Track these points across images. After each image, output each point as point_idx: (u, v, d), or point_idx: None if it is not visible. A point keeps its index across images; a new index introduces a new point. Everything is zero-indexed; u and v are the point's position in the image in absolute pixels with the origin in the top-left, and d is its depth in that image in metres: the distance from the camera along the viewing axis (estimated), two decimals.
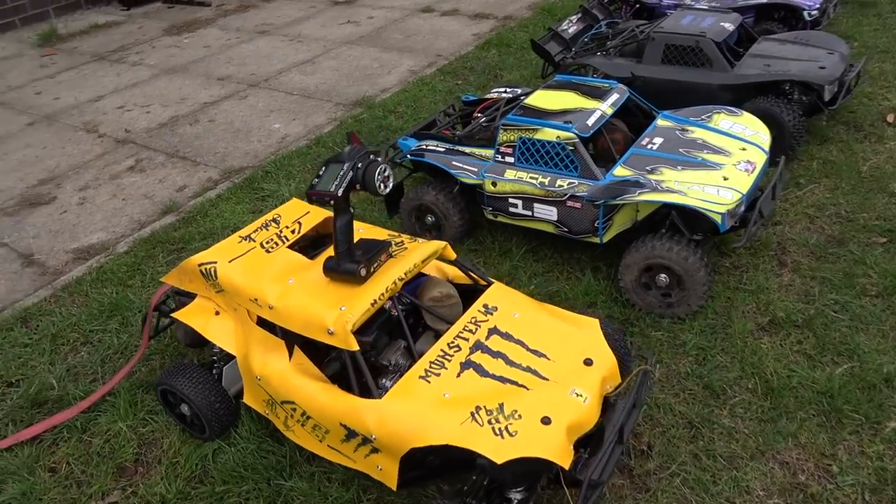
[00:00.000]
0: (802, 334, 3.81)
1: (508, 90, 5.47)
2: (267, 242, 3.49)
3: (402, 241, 3.38)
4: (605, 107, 4.39)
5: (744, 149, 4.25)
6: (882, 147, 5.47)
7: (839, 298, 4.00)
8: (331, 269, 3.10)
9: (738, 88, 5.49)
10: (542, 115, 4.34)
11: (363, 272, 3.03)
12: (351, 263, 3.04)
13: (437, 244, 3.32)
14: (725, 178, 3.96)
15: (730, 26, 5.87)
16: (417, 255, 3.22)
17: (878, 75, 6.51)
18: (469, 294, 3.39)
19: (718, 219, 3.75)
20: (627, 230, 4.21)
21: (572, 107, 4.39)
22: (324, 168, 3.01)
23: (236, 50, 9.16)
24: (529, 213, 4.38)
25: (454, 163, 4.59)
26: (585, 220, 4.15)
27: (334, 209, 3.00)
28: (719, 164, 4.09)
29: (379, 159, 3.07)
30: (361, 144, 3.08)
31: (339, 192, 2.89)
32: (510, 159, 4.40)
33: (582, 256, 4.52)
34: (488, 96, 5.47)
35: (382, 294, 3.01)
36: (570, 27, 6.76)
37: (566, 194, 4.16)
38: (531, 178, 4.29)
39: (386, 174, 3.02)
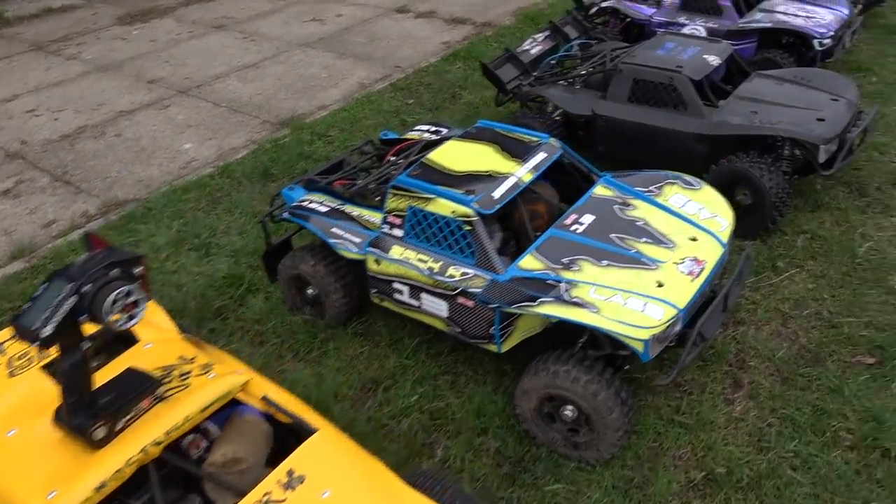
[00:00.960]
0: (746, 500, 2.87)
1: (433, 129, 4.54)
2: (20, 357, 2.63)
3: (188, 372, 2.50)
4: (524, 171, 3.44)
5: (694, 238, 3.29)
6: (888, 221, 4.45)
7: (802, 449, 3.05)
8: (60, 422, 2.23)
9: (715, 140, 4.50)
10: (443, 179, 3.41)
11: (100, 433, 2.16)
12: (84, 419, 2.17)
13: (231, 382, 2.44)
14: (660, 285, 3.01)
15: (715, 60, 4.86)
16: (196, 401, 2.33)
17: None
18: (294, 432, 2.52)
19: (639, 347, 2.81)
20: (539, 334, 3.30)
21: (483, 169, 3.46)
22: (44, 286, 2.13)
23: (182, 47, 8.28)
24: (416, 303, 3.47)
25: (334, 230, 3.68)
26: (480, 322, 3.23)
27: (58, 349, 2.12)
28: (657, 261, 3.13)
29: (137, 270, 2.19)
30: (108, 249, 2.20)
31: (45, 333, 2.01)
32: (398, 232, 3.48)
33: (485, 358, 3.59)
34: (408, 136, 4.54)
35: (120, 470, 2.13)
36: (533, 47, 5.77)
37: (457, 288, 3.25)
38: (420, 260, 3.37)
39: (130, 300, 2.13)
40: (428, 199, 3.33)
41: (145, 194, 5.19)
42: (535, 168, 3.48)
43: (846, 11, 6.20)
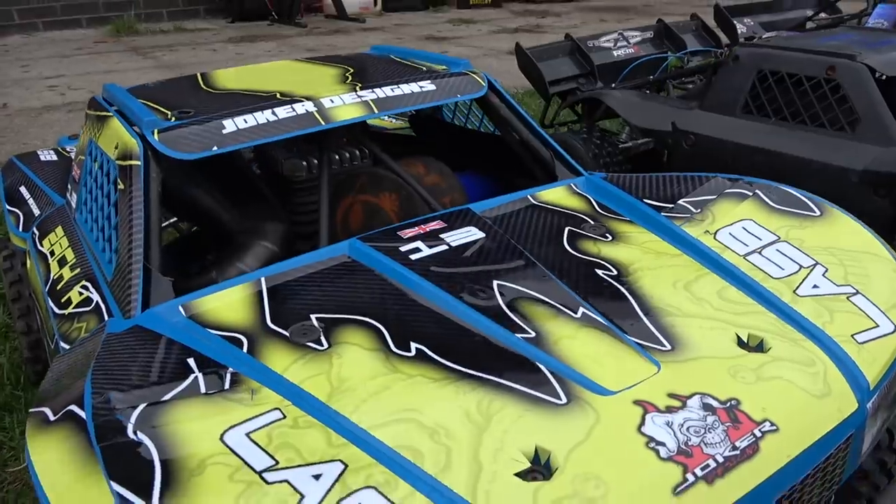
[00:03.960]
0: None
1: None
2: None
3: None
4: (347, 101, 1.41)
5: (758, 345, 0.98)
6: None
7: None
8: None
9: None
10: (174, 94, 1.51)
11: None
12: None
13: None
14: (537, 468, 0.77)
15: None
16: None
17: None
18: None
19: None
20: None
21: (271, 88, 1.49)
22: None
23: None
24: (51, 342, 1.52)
25: (22, 188, 1.88)
26: None
27: None
28: (585, 381, 0.89)
29: None
30: None
31: None
32: (74, 199, 1.61)
33: None
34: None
35: None
36: (621, 47, 3.69)
37: (54, 334, 1.25)
38: (61, 260, 1.44)
39: None
40: (104, 121, 1.44)
41: None
42: (381, 104, 1.43)
43: None
